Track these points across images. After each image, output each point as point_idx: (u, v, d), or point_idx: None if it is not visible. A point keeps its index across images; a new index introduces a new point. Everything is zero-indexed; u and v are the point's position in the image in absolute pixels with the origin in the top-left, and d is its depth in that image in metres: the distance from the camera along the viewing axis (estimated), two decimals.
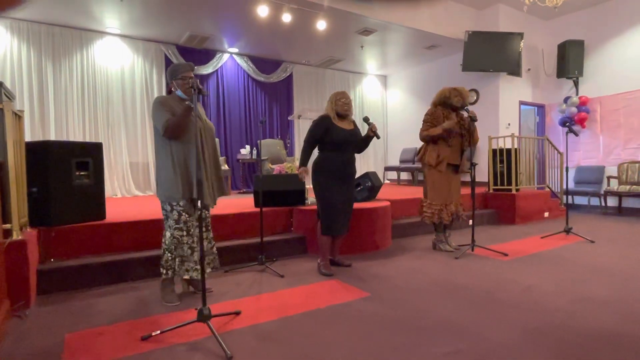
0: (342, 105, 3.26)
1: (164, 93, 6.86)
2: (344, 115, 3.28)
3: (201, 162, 2.50)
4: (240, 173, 7.65)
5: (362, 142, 3.36)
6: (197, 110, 2.30)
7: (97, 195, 3.23)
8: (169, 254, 2.49)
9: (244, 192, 7.08)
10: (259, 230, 3.42)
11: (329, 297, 2.63)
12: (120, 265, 2.99)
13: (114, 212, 3.89)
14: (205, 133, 2.58)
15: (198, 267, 2.53)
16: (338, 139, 3.20)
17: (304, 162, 3.30)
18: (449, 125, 3.70)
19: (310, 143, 3.30)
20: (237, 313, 2.34)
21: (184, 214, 2.48)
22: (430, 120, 3.83)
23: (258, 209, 3.82)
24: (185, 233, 2.49)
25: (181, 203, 2.47)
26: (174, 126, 2.39)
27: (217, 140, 7.03)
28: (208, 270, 2.65)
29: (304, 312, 2.37)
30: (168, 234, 2.50)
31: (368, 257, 3.77)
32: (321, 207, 3.25)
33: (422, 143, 3.99)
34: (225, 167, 6.64)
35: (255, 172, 7.77)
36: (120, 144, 6.62)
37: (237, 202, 4.93)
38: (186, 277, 2.51)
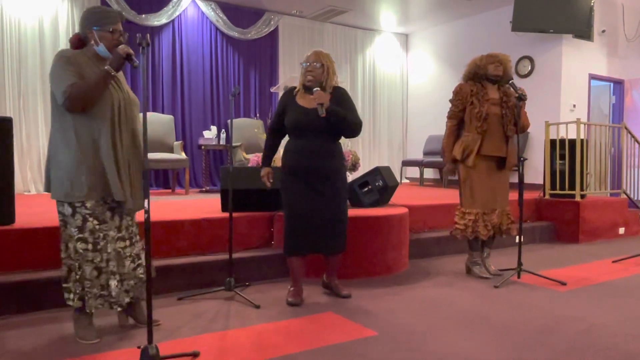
0: (304, 73, 3.24)
1: None
2: (312, 87, 3.19)
3: (118, 147, 2.49)
4: (202, 164, 7.66)
5: (331, 124, 3.15)
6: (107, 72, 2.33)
7: (4, 190, 3.23)
8: (74, 273, 2.50)
9: (207, 191, 7.09)
10: (227, 244, 3.44)
11: (321, 336, 2.66)
12: (34, 287, 3.00)
13: (27, 214, 3.90)
14: (127, 108, 2.58)
15: (105, 292, 2.52)
16: (290, 121, 3.22)
17: (265, 159, 3.33)
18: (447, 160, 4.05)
19: (270, 130, 3.32)
20: (195, 354, 2.36)
21: (90, 219, 2.47)
22: (454, 101, 3.98)
23: (226, 214, 3.84)
24: (91, 247, 2.48)
25: (88, 204, 2.46)
26: (80, 94, 2.36)
27: (170, 118, 7.10)
28: (126, 299, 2.62)
29: (285, 355, 2.39)
30: (70, 245, 2.50)
31: (376, 283, 3.81)
32: (284, 216, 3.30)
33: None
34: (181, 155, 6.66)
35: (223, 164, 7.79)
36: (35, 123, 6.61)
37: (197, 204, 4.94)
38: (91, 310, 2.50)
